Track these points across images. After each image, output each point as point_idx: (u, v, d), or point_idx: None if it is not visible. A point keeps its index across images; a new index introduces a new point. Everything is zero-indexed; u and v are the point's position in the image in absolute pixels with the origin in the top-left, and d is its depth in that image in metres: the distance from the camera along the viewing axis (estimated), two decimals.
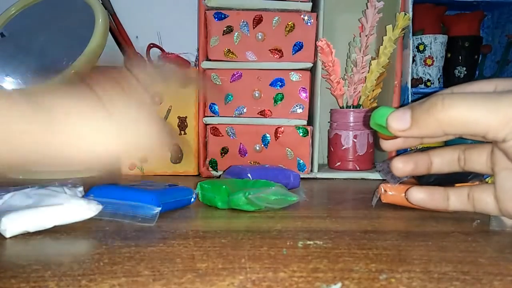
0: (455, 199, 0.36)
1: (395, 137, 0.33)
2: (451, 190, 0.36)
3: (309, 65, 0.66)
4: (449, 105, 0.28)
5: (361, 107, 0.70)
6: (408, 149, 0.64)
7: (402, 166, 0.36)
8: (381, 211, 0.42)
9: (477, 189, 0.35)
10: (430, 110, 0.29)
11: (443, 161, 0.36)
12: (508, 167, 0.32)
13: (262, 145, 0.66)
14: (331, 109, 0.72)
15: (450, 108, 0.28)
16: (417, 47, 0.77)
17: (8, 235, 0.31)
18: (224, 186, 0.42)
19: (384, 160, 0.67)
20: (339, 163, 0.70)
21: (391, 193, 0.43)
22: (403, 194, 0.42)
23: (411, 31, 0.68)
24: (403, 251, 0.29)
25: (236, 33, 0.66)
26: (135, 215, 0.36)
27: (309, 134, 0.66)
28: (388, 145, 0.35)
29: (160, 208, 0.37)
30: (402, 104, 0.68)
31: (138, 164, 0.70)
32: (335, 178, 0.67)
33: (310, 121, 0.68)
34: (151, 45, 0.77)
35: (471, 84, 0.33)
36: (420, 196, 0.37)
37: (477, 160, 0.35)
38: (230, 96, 0.67)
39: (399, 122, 0.30)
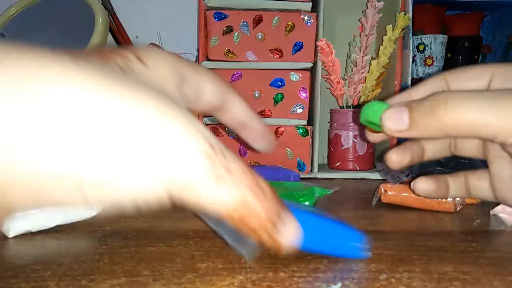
0: (454, 186, 0.35)
1: None
2: (450, 178, 0.35)
3: (309, 65, 0.66)
4: (453, 107, 0.25)
5: (361, 107, 0.70)
6: None
7: (399, 159, 0.34)
8: (381, 211, 0.42)
9: (473, 176, 0.34)
10: (432, 112, 0.26)
11: (435, 148, 0.35)
12: (502, 155, 0.31)
13: None
14: (331, 109, 0.72)
15: (455, 110, 0.25)
16: (417, 47, 0.77)
17: (11, 234, 0.31)
18: None
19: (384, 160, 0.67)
20: (339, 163, 0.70)
21: (391, 193, 0.43)
22: (404, 194, 0.42)
23: (411, 31, 0.68)
24: (403, 251, 0.29)
25: (236, 33, 0.66)
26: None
27: (309, 134, 0.66)
28: (375, 137, 0.33)
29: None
30: None
31: None
32: (335, 178, 0.67)
33: (310, 121, 0.68)
34: (151, 45, 0.77)
35: (465, 71, 0.31)
36: (427, 186, 0.35)
37: (468, 145, 0.33)
38: None
39: (395, 122, 0.27)
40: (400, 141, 0.62)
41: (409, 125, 0.27)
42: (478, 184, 0.34)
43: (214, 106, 0.27)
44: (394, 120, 0.28)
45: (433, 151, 0.35)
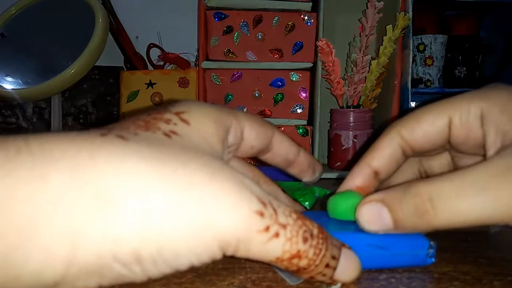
0: None
1: None
2: None
3: (309, 65, 0.66)
4: (442, 210, 0.22)
5: (361, 107, 0.70)
6: None
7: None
8: None
9: None
10: (419, 216, 0.22)
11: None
12: None
13: None
14: (331, 109, 0.72)
15: (445, 212, 0.22)
16: (417, 47, 0.77)
17: None
18: None
19: None
20: (339, 163, 0.70)
21: None
22: None
23: (411, 31, 0.68)
24: None
25: (236, 33, 0.66)
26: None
27: (309, 134, 0.66)
28: None
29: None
30: (402, 109, 0.68)
31: None
32: (335, 178, 0.67)
33: (310, 121, 0.68)
34: (151, 45, 0.77)
35: (419, 120, 0.26)
36: None
37: (439, 168, 0.30)
38: (230, 96, 0.67)
39: (378, 224, 0.23)
40: None
41: (394, 226, 0.23)
42: None
43: (258, 149, 0.27)
44: (375, 223, 0.23)
45: None
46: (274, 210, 0.19)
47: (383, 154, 0.27)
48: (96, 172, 0.16)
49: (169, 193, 0.17)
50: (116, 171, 0.17)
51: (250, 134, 0.26)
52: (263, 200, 0.19)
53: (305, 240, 0.19)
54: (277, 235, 0.18)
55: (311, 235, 0.20)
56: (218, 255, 0.18)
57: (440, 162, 0.30)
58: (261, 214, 0.18)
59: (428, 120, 0.26)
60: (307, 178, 0.30)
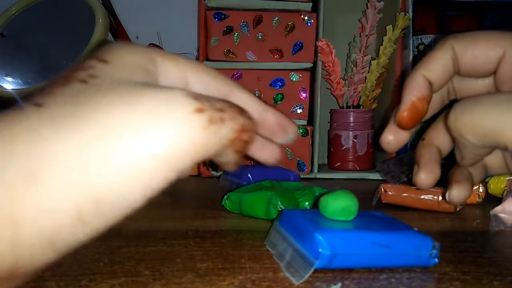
0: (475, 172, 0.32)
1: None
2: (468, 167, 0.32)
3: (309, 65, 0.66)
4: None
5: (361, 107, 0.70)
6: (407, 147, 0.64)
7: (425, 177, 0.30)
8: (381, 211, 0.42)
9: (486, 157, 0.31)
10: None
11: (446, 141, 0.31)
12: None
13: None
14: (331, 109, 0.72)
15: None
16: (417, 47, 0.77)
17: None
18: (268, 193, 0.38)
19: (384, 160, 0.67)
20: (339, 163, 0.70)
21: (391, 193, 0.43)
22: (404, 194, 0.42)
23: (411, 31, 0.68)
24: None
25: (236, 33, 0.66)
26: None
27: (309, 134, 0.66)
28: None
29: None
30: None
31: None
32: (335, 178, 0.67)
33: (310, 121, 0.68)
34: (151, 45, 0.77)
35: (475, 42, 0.26)
36: (461, 192, 0.30)
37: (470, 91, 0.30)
38: None
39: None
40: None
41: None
42: (494, 163, 0.31)
43: None
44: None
45: (447, 145, 0.31)
46: (207, 99, 0.18)
47: (437, 65, 0.27)
48: (17, 151, 0.16)
49: (84, 145, 0.16)
50: (32, 145, 0.16)
51: (195, 85, 0.23)
52: (195, 95, 0.18)
53: (241, 112, 0.19)
54: (222, 120, 0.18)
55: (240, 108, 0.20)
56: (173, 177, 0.18)
57: (475, 84, 0.29)
58: (201, 110, 0.17)
59: (483, 46, 0.26)
60: (279, 139, 0.26)
